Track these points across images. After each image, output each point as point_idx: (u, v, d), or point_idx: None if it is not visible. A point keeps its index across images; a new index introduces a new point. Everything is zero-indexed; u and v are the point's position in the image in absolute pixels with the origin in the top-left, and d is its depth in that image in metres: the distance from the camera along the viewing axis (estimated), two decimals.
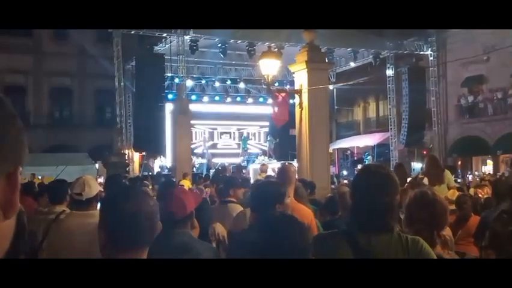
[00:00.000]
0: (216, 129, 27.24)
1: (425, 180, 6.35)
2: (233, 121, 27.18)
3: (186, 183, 11.67)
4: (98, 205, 3.44)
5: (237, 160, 24.18)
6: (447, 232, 3.33)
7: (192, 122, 20.42)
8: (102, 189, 3.72)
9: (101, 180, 12.92)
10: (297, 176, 4.72)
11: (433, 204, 2.64)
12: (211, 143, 25.58)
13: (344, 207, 4.73)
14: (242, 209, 4.97)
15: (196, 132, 25.42)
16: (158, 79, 18.99)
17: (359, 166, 21.35)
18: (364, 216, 2.12)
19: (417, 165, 22.40)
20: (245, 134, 27.15)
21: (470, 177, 18.53)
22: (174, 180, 12.48)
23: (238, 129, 27.65)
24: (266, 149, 26.54)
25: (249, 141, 26.74)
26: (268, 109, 25.55)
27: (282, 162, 16.70)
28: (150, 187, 10.12)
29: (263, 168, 13.69)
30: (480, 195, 7.60)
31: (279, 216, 1.71)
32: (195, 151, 23.99)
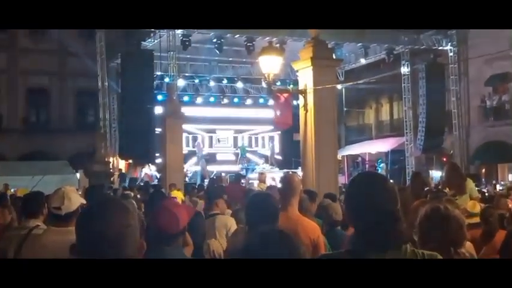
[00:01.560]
0: (210, 134, 27.23)
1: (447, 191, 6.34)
2: (230, 125, 27.18)
3: (178, 195, 11.66)
4: None
5: (234, 168, 24.18)
6: (468, 248, 3.32)
7: (184, 126, 20.41)
8: (84, 202, 3.71)
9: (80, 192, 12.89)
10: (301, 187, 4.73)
11: (446, 220, 2.63)
12: (205, 150, 25.54)
13: (327, 221, 4.76)
14: (231, 221, 5.02)
15: (188, 138, 25.42)
16: (147, 78, 19.01)
17: None
18: (365, 230, 2.11)
19: (436, 174, 22.36)
20: (243, 140, 27.16)
21: (497, 186, 18.50)
22: (164, 191, 12.47)
23: (236, 134, 27.65)
24: (268, 155, 26.54)
25: (247, 148, 26.75)
26: (269, 111, 25.64)
27: (285, 171, 16.70)
28: (132, 195, 10.14)
29: (261, 177, 13.63)
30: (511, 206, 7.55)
31: (268, 232, 1.71)
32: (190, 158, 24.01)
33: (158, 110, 20.18)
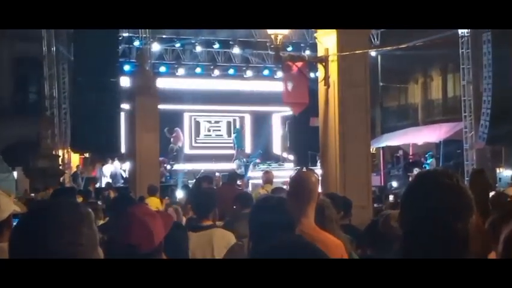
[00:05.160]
0: (196, 117, 27.27)
1: None
2: (223, 105, 27.20)
3: (154, 203, 11.72)
4: None
5: (229, 164, 24.24)
6: None
7: (160, 106, 20.41)
8: (19, 210, 3.70)
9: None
10: (320, 189, 4.74)
11: None
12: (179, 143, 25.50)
13: (323, 223, 4.65)
14: (230, 235, 5.02)
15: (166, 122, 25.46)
16: (109, 42, 19.02)
17: (416, 173, 21.29)
18: (422, 252, 2.17)
19: (505, 173, 22.35)
20: (240, 126, 27.16)
21: None
22: (132, 195, 12.52)
23: (230, 117, 27.68)
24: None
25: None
26: (277, 87, 25.62)
27: (298, 167, 16.71)
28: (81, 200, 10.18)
29: (267, 177, 13.57)
30: None
31: (288, 244, 1.74)
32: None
33: (125, 84, 20.20)
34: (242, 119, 28.15)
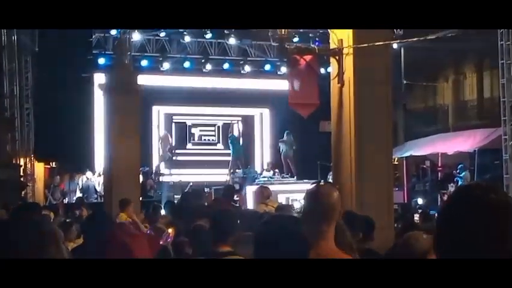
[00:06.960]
0: (183, 120, 27.29)
1: None
2: (217, 106, 27.24)
3: (124, 218, 11.81)
4: None
5: (223, 177, 24.24)
6: None
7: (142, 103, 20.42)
8: None
9: None
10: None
11: None
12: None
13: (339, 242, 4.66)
14: None
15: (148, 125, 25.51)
16: (81, 31, 19.02)
17: (451, 189, 21.15)
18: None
19: None
20: (236, 131, 27.14)
21: None
22: (105, 212, 12.52)
23: (226, 121, 27.69)
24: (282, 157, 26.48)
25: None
26: (282, 84, 25.67)
27: (314, 181, 16.72)
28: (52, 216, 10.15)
29: (263, 192, 13.35)
30: None
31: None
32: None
33: (100, 80, 20.19)
34: (243, 120, 28.07)
